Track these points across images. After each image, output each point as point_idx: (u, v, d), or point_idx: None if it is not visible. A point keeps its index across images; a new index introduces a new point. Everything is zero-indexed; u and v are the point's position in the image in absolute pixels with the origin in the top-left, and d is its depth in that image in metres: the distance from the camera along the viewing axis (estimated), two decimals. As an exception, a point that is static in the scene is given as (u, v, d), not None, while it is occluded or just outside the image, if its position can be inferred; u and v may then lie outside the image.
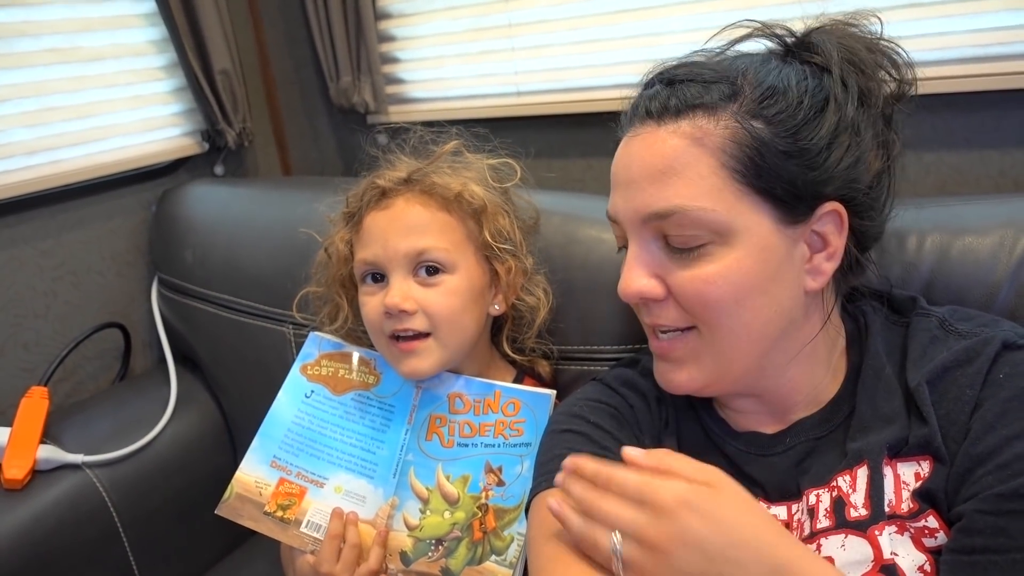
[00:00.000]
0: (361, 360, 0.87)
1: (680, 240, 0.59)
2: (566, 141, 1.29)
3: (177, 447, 1.16)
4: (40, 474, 1.01)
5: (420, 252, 0.77)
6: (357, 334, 0.88)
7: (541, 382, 0.88)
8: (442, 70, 1.38)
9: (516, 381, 0.86)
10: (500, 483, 0.77)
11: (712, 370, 0.62)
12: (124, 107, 1.27)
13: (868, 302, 0.68)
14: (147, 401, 1.20)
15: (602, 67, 1.22)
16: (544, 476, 0.64)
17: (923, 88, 0.96)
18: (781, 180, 0.58)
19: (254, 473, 0.82)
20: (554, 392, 0.80)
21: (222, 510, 0.80)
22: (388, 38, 1.40)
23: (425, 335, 0.78)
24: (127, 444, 1.10)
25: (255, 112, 1.48)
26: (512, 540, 0.74)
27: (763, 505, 0.61)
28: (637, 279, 0.61)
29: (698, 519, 0.49)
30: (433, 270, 0.78)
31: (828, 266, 0.61)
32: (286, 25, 1.51)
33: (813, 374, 0.64)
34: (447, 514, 0.77)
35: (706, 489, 0.50)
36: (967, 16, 0.96)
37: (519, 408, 0.79)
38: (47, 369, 1.15)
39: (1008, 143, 0.98)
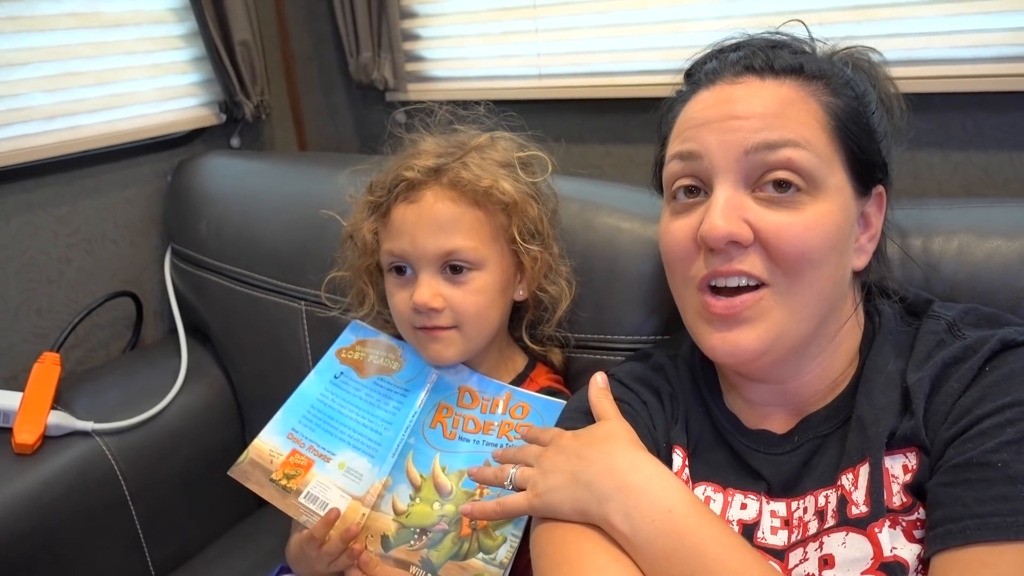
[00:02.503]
0: (389, 347, 0.88)
1: (780, 178, 0.58)
2: (586, 126, 1.28)
3: (186, 418, 1.16)
4: (50, 440, 1.02)
5: (449, 252, 0.76)
6: (385, 317, 0.88)
7: (553, 370, 0.87)
8: (463, 49, 1.36)
9: (528, 368, 0.85)
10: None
11: (782, 329, 0.59)
12: (143, 75, 1.27)
13: (885, 302, 0.67)
14: (157, 371, 1.20)
15: (626, 52, 1.20)
16: None
17: (954, 86, 0.96)
18: (865, 150, 0.61)
19: (270, 442, 0.83)
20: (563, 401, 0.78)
21: (234, 472, 0.81)
22: (410, 14, 1.39)
23: (451, 327, 0.78)
24: (137, 413, 1.10)
25: (273, 85, 1.47)
26: (504, 541, 0.72)
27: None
28: (731, 220, 0.58)
29: (570, 436, 0.65)
30: (461, 268, 0.77)
31: (870, 247, 0.64)
32: (307, -2, 1.50)
33: (834, 365, 0.64)
34: (436, 505, 0.76)
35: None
36: (1004, 14, 0.93)
37: (527, 412, 0.78)
38: (59, 335, 1.16)
39: (1040, 145, 0.96)
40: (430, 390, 0.83)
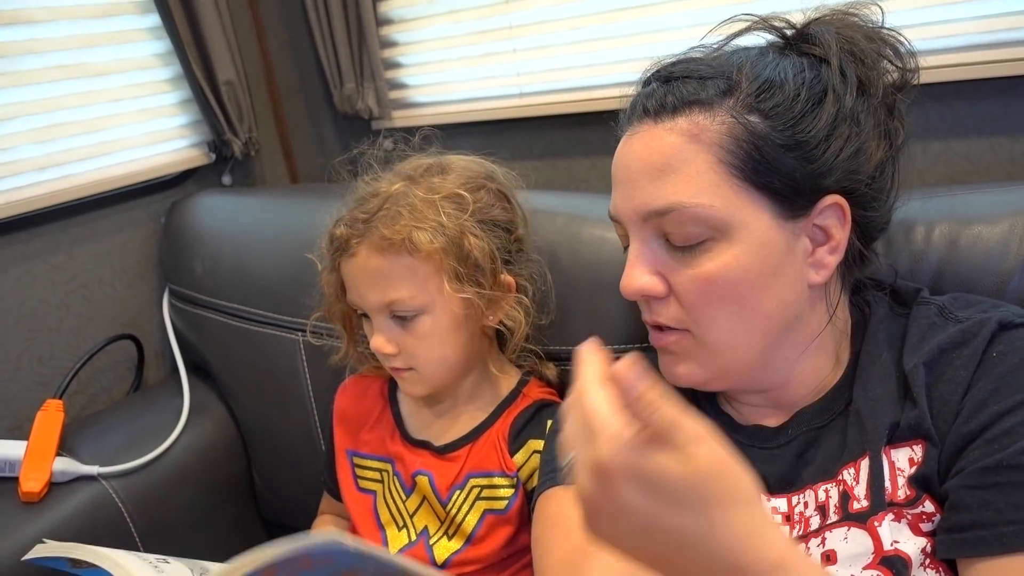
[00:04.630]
0: None
1: (680, 237, 0.59)
2: (569, 141, 1.29)
3: (191, 456, 1.16)
4: (57, 486, 1.02)
5: (387, 304, 0.77)
6: (376, 364, 0.90)
7: (548, 384, 0.88)
8: (445, 74, 1.38)
9: (521, 383, 0.85)
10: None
11: (711, 366, 0.62)
12: (131, 120, 1.28)
13: (873, 293, 0.67)
14: (161, 411, 1.20)
15: (603, 66, 1.22)
16: (549, 475, 0.65)
17: (930, 76, 0.96)
18: (779, 174, 0.57)
19: None
20: (332, 536, 0.47)
21: None
22: (390, 44, 1.41)
23: (409, 368, 0.80)
24: (142, 454, 1.10)
25: (261, 121, 1.48)
26: None
27: (756, 490, 0.44)
28: (639, 277, 0.61)
29: (638, 494, 0.40)
30: (405, 316, 0.77)
31: (831, 259, 0.61)
32: (289, 34, 1.52)
33: (819, 367, 0.64)
34: None
35: (667, 460, 0.40)
36: (972, 2, 0.94)
37: (312, 563, 0.50)
38: (62, 382, 1.16)
39: (1018, 130, 0.96)
40: None
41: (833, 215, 0.60)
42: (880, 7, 0.64)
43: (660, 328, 0.63)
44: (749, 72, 0.59)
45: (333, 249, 0.81)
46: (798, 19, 0.65)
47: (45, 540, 0.59)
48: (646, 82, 0.65)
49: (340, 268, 0.81)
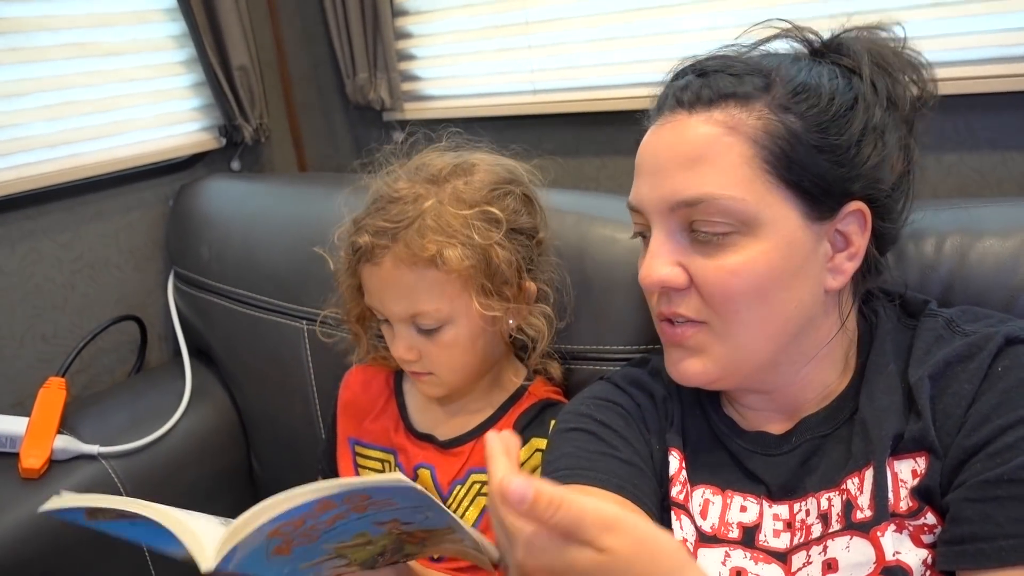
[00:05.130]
0: None
1: (706, 229, 0.58)
2: (581, 139, 1.29)
3: (191, 440, 1.17)
4: (57, 464, 1.03)
5: (412, 316, 0.77)
6: (383, 354, 0.89)
7: (552, 383, 0.88)
8: (458, 67, 1.38)
9: (527, 381, 0.85)
10: (404, 523, 0.57)
11: (726, 363, 0.61)
12: (143, 101, 1.29)
13: (881, 303, 0.67)
14: (162, 394, 1.21)
15: (618, 65, 1.21)
16: (552, 475, 0.64)
17: (945, 89, 0.95)
18: (810, 173, 0.58)
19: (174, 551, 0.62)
20: (411, 484, 0.50)
21: None
22: (405, 35, 1.40)
23: (429, 373, 0.80)
24: (142, 436, 1.11)
25: (272, 108, 1.48)
26: (462, 539, 0.60)
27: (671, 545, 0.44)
28: (661, 266, 0.60)
29: None
30: (429, 327, 0.77)
31: (849, 266, 0.61)
32: (303, 22, 1.52)
33: (826, 374, 0.64)
34: (369, 547, 0.61)
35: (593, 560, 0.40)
36: (990, 16, 0.94)
37: (369, 498, 0.52)
38: (65, 360, 1.16)
39: (1032, 145, 0.96)
40: None
41: (855, 221, 0.61)
42: (902, 25, 0.65)
43: (673, 323, 0.62)
44: (784, 73, 0.60)
45: (355, 256, 0.79)
46: (825, 31, 0.66)
47: (62, 492, 0.58)
48: (679, 75, 0.65)
49: (361, 274, 0.80)
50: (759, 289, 0.58)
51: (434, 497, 0.51)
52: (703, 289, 0.59)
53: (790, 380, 0.64)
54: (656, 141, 0.62)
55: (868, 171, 0.59)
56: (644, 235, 0.65)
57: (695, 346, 0.62)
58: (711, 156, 0.58)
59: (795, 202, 0.58)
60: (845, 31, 0.64)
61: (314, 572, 0.61)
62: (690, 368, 0.62)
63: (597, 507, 0.40)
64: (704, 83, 0.60)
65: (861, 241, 0.61)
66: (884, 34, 0.64)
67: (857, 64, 0.61)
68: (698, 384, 0.64)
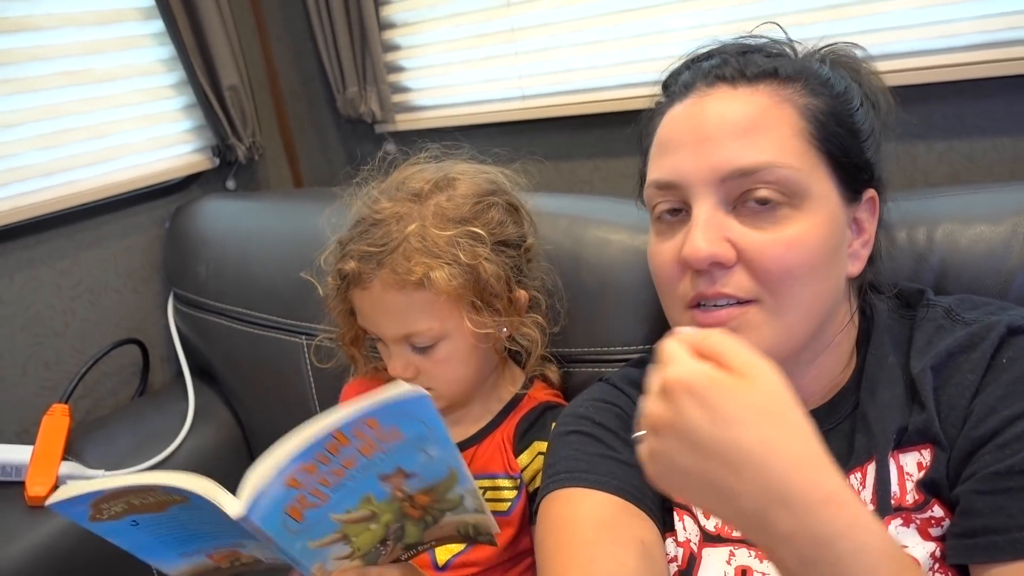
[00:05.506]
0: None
1: (760, 198, 0.56)
2: (572, 143, 1.29)
3: (196, 460, 1.17)
4: (63, 490, 1.03)
5: (406, 336, 0.77)
6: (382, 367, 0.88)
7: (551, 386, 0.88)
8: (447, 77, 1.39)
9: (526, 385, 0.85)
10: (408, 476, 0.61)
11: (771, 344, 0.57)
12: (136, 126, 1.29)
13: (877, 295, 0.67)
14: (166, 415, 1.21)
15: (606, 68, 1.22)
16: (552, 478, 0.64)
17: (932, 76, 0.97)
18: (846, 152, 0.59)
19: (180, 566, 0.67)
20: (421, 391, 0.54)
21: None
22: (393, 47, 1.41)
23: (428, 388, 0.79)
24: (147, 458, 1.11)
25: (264, 126, 1.49)
26: (462, 497, 0.61)
27: (810, 425, 0.43)
28: (713, 241, 0.56)
29: (697, 407, 0.41)
30: (424, 345, 0.77)
31: (864, 252, 0.62)
32: (292, 39, 1.53)
33: (833, 367, 0.63)
34: (373, 526, 0.63)
35: (727, 378, 0.42)
36: (975, 2, 0.94)
37: (378, 424, 0.57)
38: (68, 386, 1.17)
39: (1021, 129, 0.96)
40: (264, 529, 0.57)
41: (867, 209, 0.62)
42: (863, 48, 0.67)
43: (703, 307, 0.59)
44: (810, 63, 0.62)
45: (343, 282, 0.79)
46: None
47: (68, 481, 0.56)
48: (706, 56, 0.65)
49: (352, 298, 0.79)
50: (813, 264, 0.57)
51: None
52: (758, 264, 0.56)
53: (806, 371, 0.62)
54: (698, 112, 0.59)
55: (877, 163, 0.62)
56: (671, 212, 0.61)
57: (738, 327, 0.57)
58: (765, 125, 0.57)
59: (835, 180, 0.59)
60: (827, 45, 0.65)
61: (320, 560, 0.62)
62: None
63: (749, 351, 0.43)
64: (746, 61, 0.60)
65: (872, 228, 0.62)
66: (859, 53, 0.66)
67: (856, 69, 0.64)
68: None
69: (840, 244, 0.59)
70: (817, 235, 0.56)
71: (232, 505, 0.53)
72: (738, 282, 0.57)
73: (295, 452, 0.53)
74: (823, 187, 0.58)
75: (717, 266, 0.57)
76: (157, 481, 0.56)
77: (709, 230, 0.56)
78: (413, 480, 0.59)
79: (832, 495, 0.40)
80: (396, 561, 0.66)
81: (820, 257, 0.57)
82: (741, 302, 0.57)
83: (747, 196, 0.57)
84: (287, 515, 0.58)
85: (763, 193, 0.56)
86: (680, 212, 0.61)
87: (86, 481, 0.59)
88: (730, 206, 0.58)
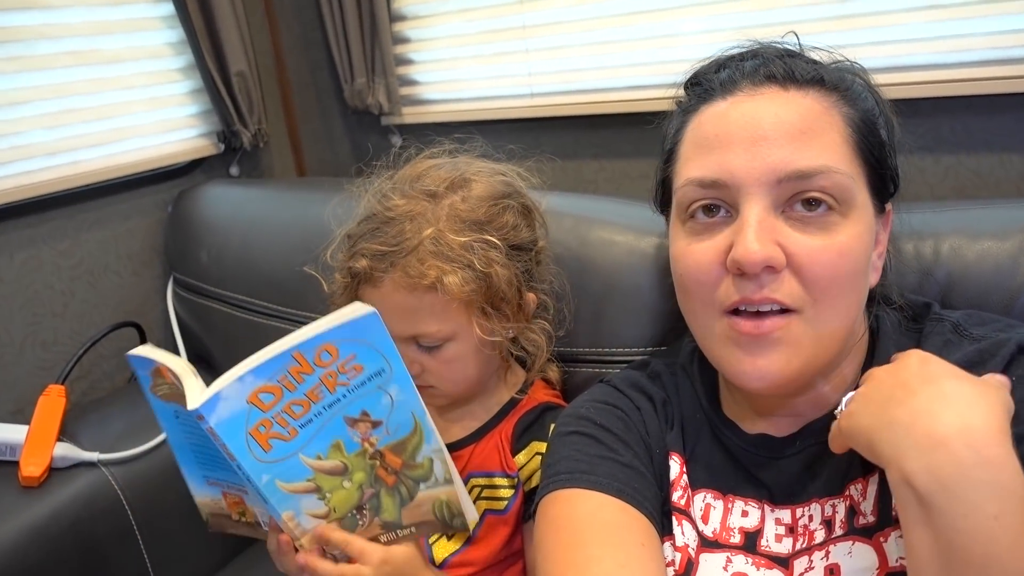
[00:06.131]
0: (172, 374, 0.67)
1: (814, 200, 0.56)
2: (579, 142, 1.29)
3: (191, 446, 1.17)
4: (57, 471, 1.02)
5: (414, 336, 0.76)
6: None
7: (551, 386, 0.88)
8: (456, 71, 1.38)
9: (526, 385, 0.85)
10: (374, 424, 0.65)
11: (808, 356, 0.56)
12: (142, 109, 1.29)
13: (882, 308, 0.67)
14: (162, 400, 1.21)
15: (616, 68, 1.22)
16: (552, 478, 0.64)
17: (942, 90, 0.97)
18: (880, 163, 0.60)
19: (204, 494, 0.74)
20: (371, 309, 0.62)
21: (211, 528, 0.76)
22: (403, 40, 1.41)
23: (431, 386, 0.80)
24: (142, 443, 1.10)
25: (270, 114, 1.49)
26: (431, 462, 0.65)
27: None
28: (766, 243, 0.54)
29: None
30: (431, 344, 0.77)
31: (879, 264, 0.63)
32: (302, 28, 1.52)
33: (842, 380, 0.63)
34: (347, 483, 0.67)
35: None
36: (988, 18, 0.95)
37: (337, 351, 0.62)
38: (64, 368, 1.16)
39: (1029, 146, 0.97)
40: (224, 443, 0.63)
41: (882, 222, 0.63)
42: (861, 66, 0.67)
43: (740, 313, 0.57)
44: (844, 76, 0.61)
45: (353, 280, 0.78)
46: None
47: (149, 344, 0.67)
48: (742, 57, 0.63)
49: (361, 296, 0.78)
50: (856, 273, 0.57)
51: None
52: (808, 270, 0.55)
53: (827, 381, 0.62)
54: (750, 111, 0.58)
55: (896, 173, 0.62)
56: (707, 211, 0.59)
57: (781, 338, 0.56)
58: (819, 130, 0.56)
59: (870, 191, 0.59)
60: (840, 60, 0.65)
61: (291, 508, 0.67)
62: (773, 364, 0.56)
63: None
64: (794, 63, 0.60)
65: (885, 239, 0.63)
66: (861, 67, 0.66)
67: (871, 86, 0.63)
68: (773, 384, 0.57)
69: (870, 254, 0.60)
70: (861, 244, 0.57)
71: (192, 400, 0.60)
72: (789, 288, 0.55)
73: (254, 365, 0.60)
74: (864, 196, 0.58)
75: (768, 270, 0.55)
76: (166, 360, 0.65)
77: (763, 231, 0.55)
78: (379, 431, 0.64)
79: (945, 440, 0.44)
80: (375, 540, 0.69)
81: (862, 266, 0.57)
82: (784, 310, 0.56)
83: (795, 200, 0.56)
84: (252, 438, 0.63)
85: (816, 196, 0.55)
86: (718, 211, 0.59)
87: (151, 347, 0.69)
88: (779, 209, 0.57)
